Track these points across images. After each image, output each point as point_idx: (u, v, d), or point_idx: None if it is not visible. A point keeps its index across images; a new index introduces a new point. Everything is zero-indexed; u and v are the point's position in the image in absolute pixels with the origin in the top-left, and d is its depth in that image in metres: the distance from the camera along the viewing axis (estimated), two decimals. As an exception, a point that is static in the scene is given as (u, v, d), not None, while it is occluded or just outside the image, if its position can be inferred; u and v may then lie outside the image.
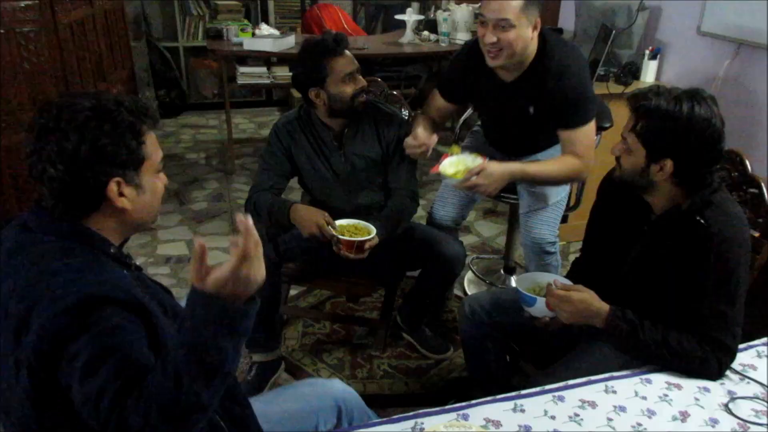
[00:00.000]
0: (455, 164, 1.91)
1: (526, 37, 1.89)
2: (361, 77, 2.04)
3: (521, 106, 2.05)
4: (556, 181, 2.11)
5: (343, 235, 1.92)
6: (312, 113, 2.10)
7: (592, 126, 2.01)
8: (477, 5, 4.50)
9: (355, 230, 1.98)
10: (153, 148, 1.13)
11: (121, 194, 1.08)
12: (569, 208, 2.56)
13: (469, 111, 2.67)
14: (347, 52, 2.01)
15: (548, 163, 2.06)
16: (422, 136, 1.98)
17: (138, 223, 1.15)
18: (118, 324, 0.93)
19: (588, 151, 1.99)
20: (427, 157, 2.04)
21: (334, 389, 1.45)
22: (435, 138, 2.00)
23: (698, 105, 1.32)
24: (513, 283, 2.88)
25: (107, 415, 0.86)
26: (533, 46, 1.94)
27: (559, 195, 2.25)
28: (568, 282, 1.54)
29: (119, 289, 0.97)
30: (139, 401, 0.86)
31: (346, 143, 2.11)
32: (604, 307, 1.41)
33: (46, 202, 1.07)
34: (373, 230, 1.95)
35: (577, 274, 1.71)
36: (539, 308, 1.52)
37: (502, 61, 1.91)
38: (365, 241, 1.91)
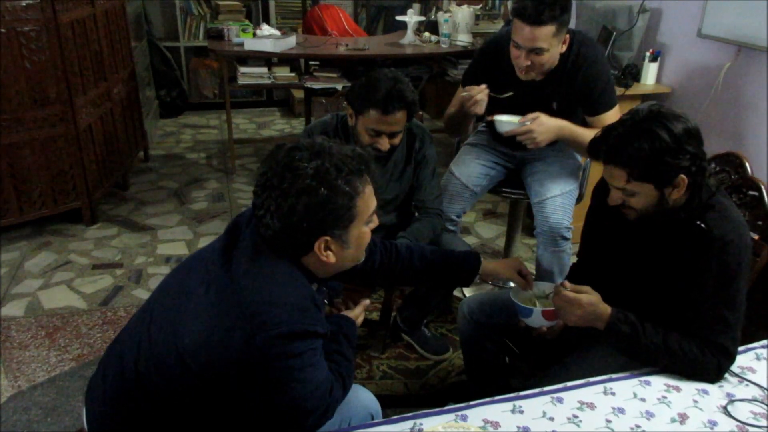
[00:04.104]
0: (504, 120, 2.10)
1: (557, 54, 2.03)
2: (387, 141, 1.93)
3: (545, 102, 2.13)
4: None
5: None
6: (348, 127, 2.02)
7: (618, 109, 2.15)
8: (478, 6, 4.50)
9: None
10: (367, 202, 1.20)
11: (327, 249, 1.18)
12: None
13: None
14: (396, 113, 1.87)
15: (590, 129, 2.14)
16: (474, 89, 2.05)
17: (340, 269, 1.26)
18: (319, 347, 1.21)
19: None
20: (481, 112, 2.10)
21: (365, 398, 1.43)
22: (484, 88, 2.08)
23: (670, 122, 1.31)
24: (512, 284, 2.88)
25: (329, 399, 1.22)
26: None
27: (569, 185, 2.27)
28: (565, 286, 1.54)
29: (323, 325, 1.20)
30: (338, 384, 1.26)
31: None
32: (607, 309, 1.42)
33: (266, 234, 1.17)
34: None
35: (575, 279, 1.70)
36: (536, 319, 1.53)
37: (533, 76, 2.06)
38: None
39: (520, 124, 2.03)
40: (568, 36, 2.03)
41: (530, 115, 2.03)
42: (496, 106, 2.30)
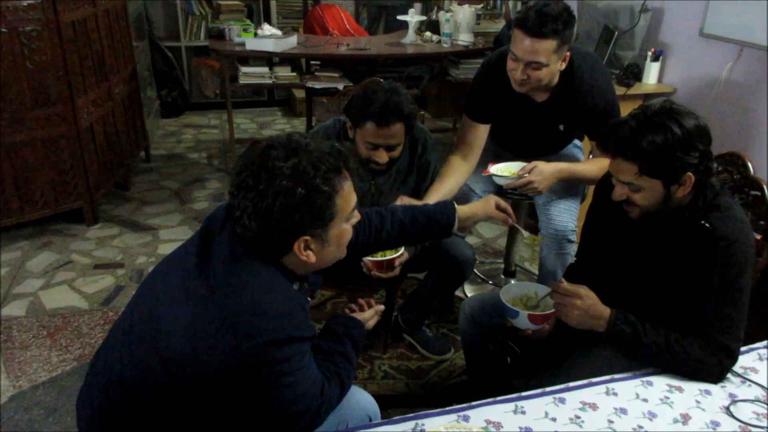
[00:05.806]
0: (502, 170, 2.08)
1: (555, 71, 1.98)
2: (386, 154, 1.92)
3: (551, 124, 2.12)
4: (593, 180, 2.14)
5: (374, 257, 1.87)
6: (349, 136, 2.01)
7: None
8: (479, 6, 4.50)
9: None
10: (346, 198, 1.17)
11: (307, 248, 1.16)
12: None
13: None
14: (393, 126, 1.86)
15: (587, 164, 2.16)
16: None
17: (321, 267, 1.24)
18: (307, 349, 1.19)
19: None
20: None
21: (363, 400, 1.41)
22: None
23: (682, 118, 1.31)
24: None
25: (320, 399, 1.22)
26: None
27: (574, 188, 2.26)
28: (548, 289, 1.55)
29: (309, 328, 1.18)
30: (332, 384, 1.26)
31: (377, 178, 2.07)
32: (606, 309, 1.41)
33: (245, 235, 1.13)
34: (401, 247, 1.89)
35: (574, 278, 1.70)
36: (522, 321, 1.53)
37: (527, 89, 2.02)
38: (394, 258, 1.88)
39: (518, 176, 2.01)
40: (568, 54, 1.98)
41: (527, 166, 2.01)
42: (501, 130, 2.30)
